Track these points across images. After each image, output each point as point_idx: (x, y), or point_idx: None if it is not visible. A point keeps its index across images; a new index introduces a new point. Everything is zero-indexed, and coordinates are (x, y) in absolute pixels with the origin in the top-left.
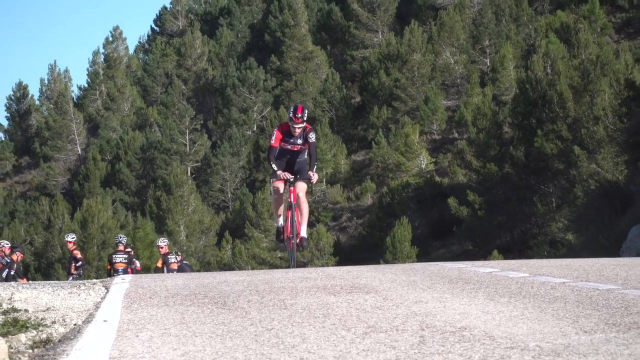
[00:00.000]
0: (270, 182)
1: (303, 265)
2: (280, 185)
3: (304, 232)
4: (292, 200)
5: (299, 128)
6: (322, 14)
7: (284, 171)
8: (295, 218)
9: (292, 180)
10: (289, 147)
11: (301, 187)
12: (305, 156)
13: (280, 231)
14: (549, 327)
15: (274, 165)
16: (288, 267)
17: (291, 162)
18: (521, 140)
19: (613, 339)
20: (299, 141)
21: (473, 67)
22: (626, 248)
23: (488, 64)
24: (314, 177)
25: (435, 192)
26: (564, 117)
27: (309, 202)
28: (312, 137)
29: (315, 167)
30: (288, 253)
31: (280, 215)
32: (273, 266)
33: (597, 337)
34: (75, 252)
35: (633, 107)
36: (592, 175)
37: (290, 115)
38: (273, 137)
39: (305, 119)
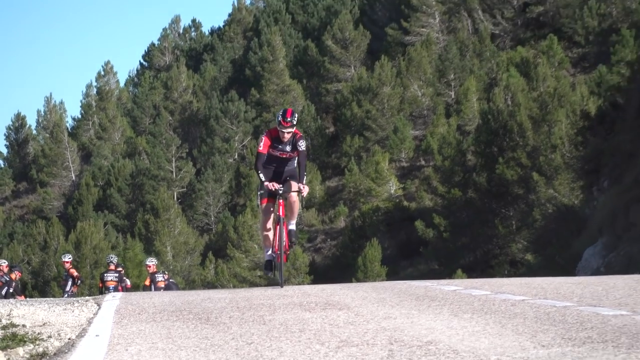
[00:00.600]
0: (258, 196)
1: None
2: (270, 205)
3: (292, 226)
4: (280, 214)
5: (288, 133)
6: (298, 50)
7: (271, 180)
8: (284, 232)
9: (280, 192)
10: (278, 154)
11: (293, 186)
12: (295, 165)
13: (269, 264)
14: (509, 341)
15: (261, 175)
16: (264, 285)
17: (279, 171)
18: (484, 167)
19: (569, 352)
20: (288, 148)
21: (439, 99)
22: (581, 267)
23: (453, 96)
24: (304, 189)
25: (403, 215)
26: (523, 146)
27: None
28: (301, 145)
29: (305, 178)
30: (276, 270)
31: (269, 246)
32: (253, 284)
33: (554, 351)
34: (72, 270)
35: (588, 136)
36: (550, 199)
37: (279, 119)
38: (261, 144)
39: (294, 123)
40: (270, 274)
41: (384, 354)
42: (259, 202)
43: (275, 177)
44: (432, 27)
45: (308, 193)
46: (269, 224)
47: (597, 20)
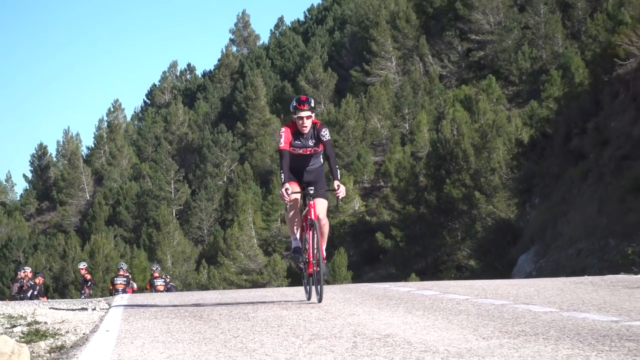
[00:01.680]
0: (280, 193)
1: (262, 285)
2: (298, 197)
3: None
4: (312, 217)
5: (307, 118)
6: (277, 89)
7: (298, 182)
8: (319, 240)
9: (311, 192)
10: (300, 151)
11: (322, 207)
12: (321, 161)
13: (298, 252)
14: (455, 334)
15: (283, 176)
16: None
17: (301, 171)
18: (433, 187)
19: (506, 343)
20: (310, 142)
21: (395, 130)
22: (516, 271)
23: (407, 128)
24: (341, 189)
25: (366, 228)
26: (467, 169)
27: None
28: (325, 134)
29: (339, 173)
30: (304, 280)
31: (296, 233)
32: (240, 286)
33: (493, 342)
34: (86, 275)
35: (522, 160)
36: (489, 214)
37: (294, 104)
38: (282, 140)
39: (313, 106)
40: (301, 259)
41: (349, 345)
42: (285, 204)
43: (300, 178)
44: (390, 70)
45: (343, 195)
46: (295, 216)
47: (530, 62)
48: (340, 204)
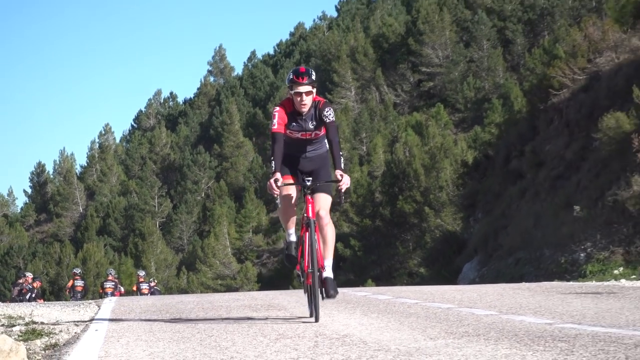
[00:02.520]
0: (267, 185)
1: (236, 289)
2: (292, 191)
3: (328, 272)
4: (309, 214)
5: (307, 94)
6: (249, 115)
7: (292, 173)
8: (316, 243)
9: (308, 185)
10: (298, 134)
11: (323, 202)
12: (325, 147)
13: (291, 248)
14: (405, 335)
15: (273, 163)
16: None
17: (297, 158)
18: (388, 203)
19: (451, 343)
20: (310, 124)
21: (354, 151)
22: (461, 278)
23: (365, 150)
24: (344, 180)
25: None
26: (417, 187)
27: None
28: (329, 114)
29: (342, 160)
30: (305, 292)
31: (291, 228)
32: (216, 290)
33: (440, 342)
34: (71, 282)
35: (466, 179)
36: (438, 227)
37: (291, 76)
38: (274, 121)
39: (313, 79)
40: (294, 254)
41: (311, 344)
42: (279, 203)
43: (296, 167)
44: (349, 98)
45: (347, 187)
46: (290, 206)
47: (474, 92)
48: (344, 199)
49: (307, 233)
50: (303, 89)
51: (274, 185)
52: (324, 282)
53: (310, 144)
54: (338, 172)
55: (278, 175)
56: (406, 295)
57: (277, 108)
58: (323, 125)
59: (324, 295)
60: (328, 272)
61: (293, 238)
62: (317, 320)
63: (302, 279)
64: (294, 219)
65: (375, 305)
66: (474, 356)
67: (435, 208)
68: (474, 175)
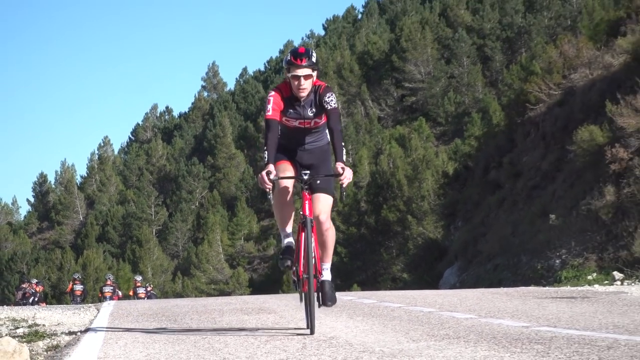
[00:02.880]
0: (258, 178)
1: (228, 294)
2: (289, 183)
3: (327, 275)
4: (307, 213)
5: (306, 78)
6: (241, 129)
7: (286, 160)
8: (314, 246)
9: (305, 179)
10: (295, 123)
11: (324, 205)
12: (326, 138)
13: (287, 252)
14: (389, 337)
15: (266, 154)
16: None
17: (294, 150)
18: (372, 211)
19: (432, 345)
20: (309, 112)
21: None
22: (442, 283)
23: (351, 161)
24: (346, 174)
25: None
26: (401, 196)
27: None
28: (330, 100)
29: (344, 153)
30: (301, 300)
31: (287, 227)
32: (209, 295)
33: (422, 344)
34: (71, 286)
35: (447, 189)
36: (420, 234)
37: (288, 58)
38: (269, 106)
39: (314, 61)
40: (289, 262)
41: (299, 346)
42: (272, 198)
43: (292, 160)
44: None
45: (349, 182)
46: (286, 202)
47: (454, 106)
48: (346, 195)
49: (303, 234)
50: (302, 71)
51: (265, 178)
52: (321, 287)
53: (310, 134)
54: (339, 165)
55: (271, 167)
56: (390, 300)
57: (273, 92)
58: (324, 113)
59: (320, 302)
60: (326, 276)
61: (289, 240)
62: (312, 332)
63: (297, 287)
64: (291, 217)
65: (361, 309)
66: (454, 358)
67: (417, 217)
68: (454, 185)
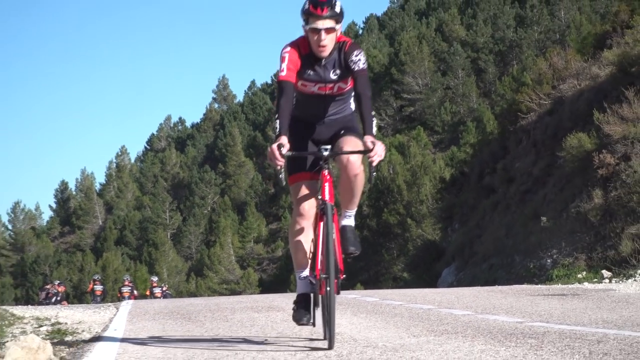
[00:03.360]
0: (280, 170)
1: (239, 293)
2: (306, 184)
3: (349, 221)
4: (326, 198)
5: (328, 32)
6: (250, 138)
7: (303, 139)
8: (334, 236)
9: (326, 155)
10: (314, 87)
11: (354, 143)
12: (351, 107)
13: (304, 301)
14: (391, 332)
15: (277, 122)
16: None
17: (312, 123)
18: (374, 215)
19: (432, 340)
20: (332, 74)
21: None
22: (440, 282)
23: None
24: (377, 149)
25: None
26: (401, 200)
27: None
28: (358, 59)
29: (375, 124)
30: (317, 305)
31: (303, 265)
32: (221, 294)
33: (422, 339)
34: (91, 286)
35: (444, 194)
36: (419, 236)
37: (306, 6)
38: (283, 65)
39: (337, 11)
40: (305, 319)
41: (307, 341)
42: (284, 179)
43: (310, 135)
44: None
45: (380, 159)
46: (304, 221)
47: (450, 116)
48: (375, 175)
49: (322, 223)
50: (322, 23)
51: (276, 152)
52: (341, 232)
53: (332, 102)
54: (369, 139)
55: (283, 139)
56: (391, 298)
57: (288, 48)
58: (350, 76)
59: (348, 254)
60: (349, 219)
61: (306, 282)
62: (330, 346)
63: (315, 287)
64: (306, 240)
65: (364, 306)
66: (452, 352)
67: (416, 219)
68: (451, 190)
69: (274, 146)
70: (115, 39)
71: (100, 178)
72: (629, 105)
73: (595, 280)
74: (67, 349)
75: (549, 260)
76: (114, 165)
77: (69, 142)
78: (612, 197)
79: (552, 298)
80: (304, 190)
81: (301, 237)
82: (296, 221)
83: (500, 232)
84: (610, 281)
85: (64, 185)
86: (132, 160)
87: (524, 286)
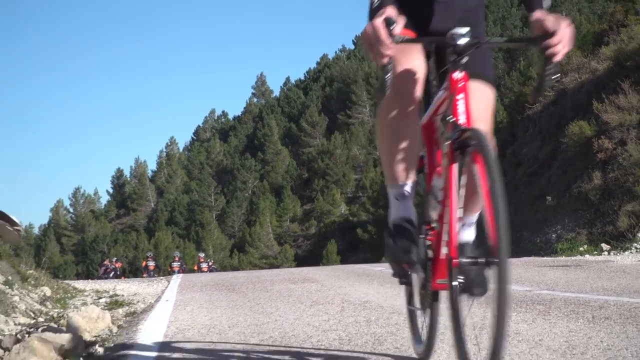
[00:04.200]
0: (367, 34)
1: (277, 267)
2: (418, 60)
3: (470, 231)
4: (458, 118)
5: None
6: (286, 129)
7: (409, 15)
8: (483, 189)
9: (462, 45)
10: None
11: (481, 103)
12: None
13: (401, 232)
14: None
15: None
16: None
17: (426, 3)
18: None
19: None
20: None
21: (369, 156)
22: None
23: (377, 155)
24: (562, 34)
25: (349, 225)
26: None
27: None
28: None
29: None
30: (413, 308)
31: (408, 179)
32: (261, 268)
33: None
34: (144, 262)
35: None
36: None
37: None
38: None
39: None
40: (411, 256)
41: (338, 309)
42: (389, 63)
43: (420, 20)
44: (365, 113)
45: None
46: (407, 106)
47: None
48: (555, 79)
49: (455, 166)
50: None
51: (382, 31)
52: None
53: None
54: (541, 17)
55: (391, 11)
56: None
57: None
58: None
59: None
60: (470, 234)
61: (407, 211)
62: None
63: (413, 280)
64: (415, 152)
65: (389, 277)
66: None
67: None
68: None
69: (378, 22)
70: (171, 45)
71: (152, 165)
72: (625, 95)
73: (596, 252)
74: (124, 318)
75: (553, 235)
76: (164, 154)
77: (124, 133)
78: (610, 178)
79: (557, 269)
80: (413, 69)
81: (402, 127)
82: (390, 104)
83: (510, 211)
84: (609, 253)
85: (119, 172)
86: (180, 150)
87: (532, 258)
